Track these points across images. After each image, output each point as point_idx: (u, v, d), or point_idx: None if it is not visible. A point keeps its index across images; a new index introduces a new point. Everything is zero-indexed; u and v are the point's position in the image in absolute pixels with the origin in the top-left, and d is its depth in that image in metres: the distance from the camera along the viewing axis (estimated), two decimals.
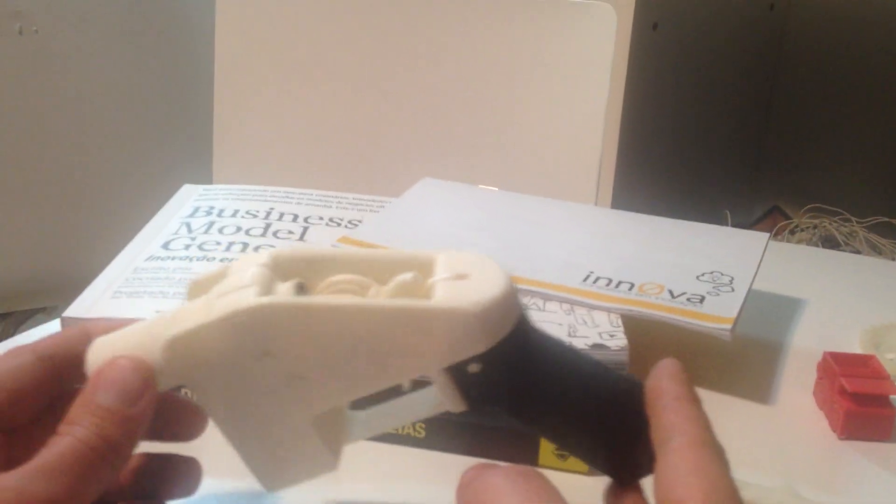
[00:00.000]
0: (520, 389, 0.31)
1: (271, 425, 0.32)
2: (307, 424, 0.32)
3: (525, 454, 0.46)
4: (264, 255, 0.33)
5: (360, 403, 0.34)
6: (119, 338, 0.32)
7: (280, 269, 0.32)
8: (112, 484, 0.31)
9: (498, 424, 0.46)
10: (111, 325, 0.33)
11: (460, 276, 0.31)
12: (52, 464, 0.27)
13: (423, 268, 0.32)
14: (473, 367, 0.30)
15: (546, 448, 0.47)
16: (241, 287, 0.31)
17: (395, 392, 0.34)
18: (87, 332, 0.33)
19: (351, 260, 0.33)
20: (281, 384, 0.31)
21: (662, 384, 0.30)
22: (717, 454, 0.27)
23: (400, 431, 0.47)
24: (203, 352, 0.31)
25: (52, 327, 0.58)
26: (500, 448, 0.46)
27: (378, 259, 0.33)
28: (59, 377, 0.32)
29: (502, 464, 0.29)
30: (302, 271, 0.33)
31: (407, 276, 0.32)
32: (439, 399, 0.32)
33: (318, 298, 0.31)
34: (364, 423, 0.35)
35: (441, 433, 0.47)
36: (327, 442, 0.33)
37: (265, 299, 0.30)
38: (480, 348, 0.30)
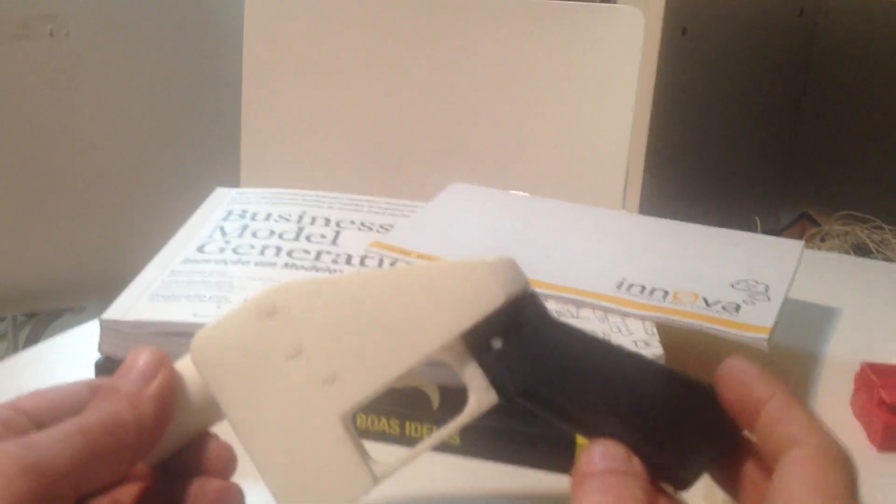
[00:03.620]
0: (548, 377, 0.31)
1: (298, 429, 0.32)
2: (337, 426, 0.32)
3: (562, 461, 0.46)
4: None
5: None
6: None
7: None
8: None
9: (533, 430, 0.46)
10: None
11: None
12: (56, 436, 0.28)
13: None
14: (496, 343, 0.31)
15: None
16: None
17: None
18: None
19: None
20: (308, 379, 0.31)
21: (754, 391, 0.29)
22: (840, 466, 0.27)
23: None
24: (229, 345, 0.31)
25: (89, 328, 0.59)
26: (536, 455, 0.46)
27: None
28: None
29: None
30: None
31: None
32: (471, 399, 0.32)
33: (337, 274, 0.33)
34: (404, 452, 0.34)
35: (476, 440, 0.47)
36: (361, 454, 0.32)
37: (287, 281, 0.32)
38: (498, 300, 0.31)
